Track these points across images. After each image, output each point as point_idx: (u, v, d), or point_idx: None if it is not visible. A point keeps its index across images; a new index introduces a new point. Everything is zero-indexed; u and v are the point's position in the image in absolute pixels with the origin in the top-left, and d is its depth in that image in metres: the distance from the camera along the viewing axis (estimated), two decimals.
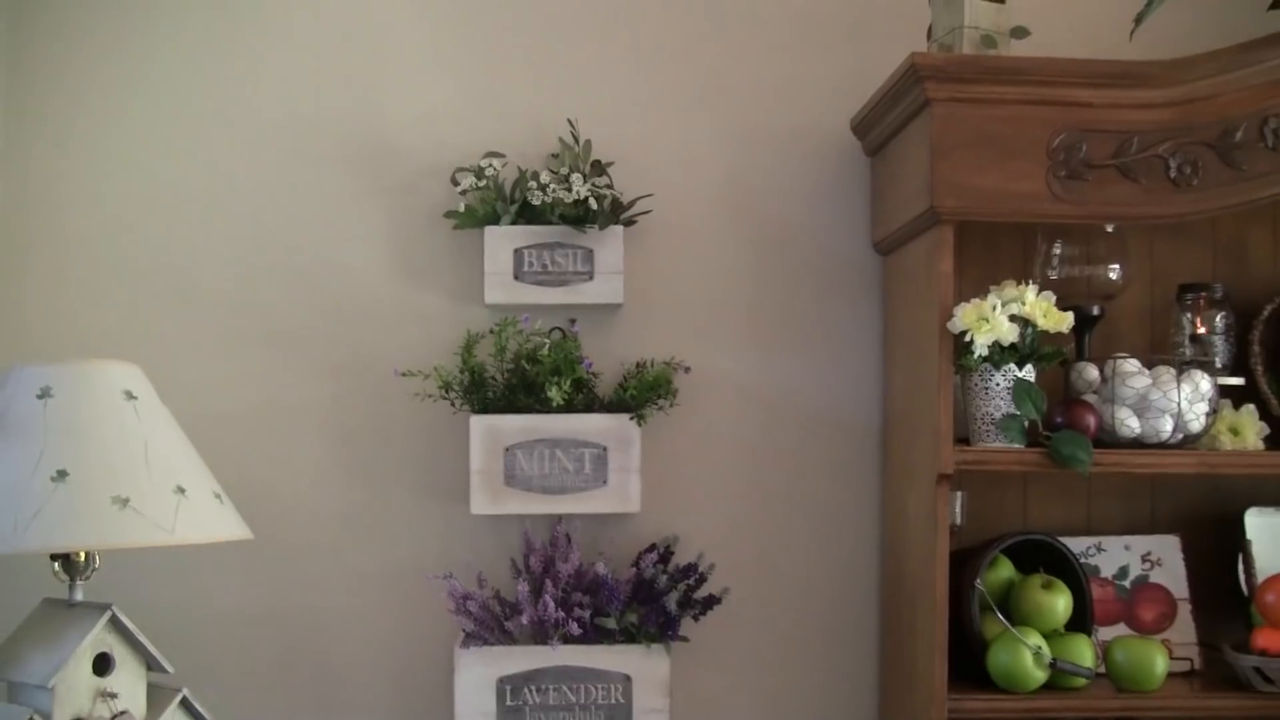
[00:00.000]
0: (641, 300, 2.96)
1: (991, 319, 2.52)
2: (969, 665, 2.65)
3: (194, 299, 2.92)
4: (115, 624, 2.29)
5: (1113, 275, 2.78)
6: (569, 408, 2.78)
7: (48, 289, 2.89)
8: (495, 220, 2.84)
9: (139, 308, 2.91)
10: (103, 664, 2.28)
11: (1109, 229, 2.76)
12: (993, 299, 2.56)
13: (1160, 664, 2.65)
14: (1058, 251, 2.80)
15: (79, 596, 2.36)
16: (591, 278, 2.84)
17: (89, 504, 2.20)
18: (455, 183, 2.86)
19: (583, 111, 2.94)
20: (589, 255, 2.84)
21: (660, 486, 2.94)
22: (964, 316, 2.52)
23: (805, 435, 3.01)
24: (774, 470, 3.00)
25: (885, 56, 2.80)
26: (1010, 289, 2.60)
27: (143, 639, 2.31)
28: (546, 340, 2.83)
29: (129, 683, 2.31)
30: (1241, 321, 2.89)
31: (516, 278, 2.84)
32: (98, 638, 2.27)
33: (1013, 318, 2.55)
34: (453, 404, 2.83)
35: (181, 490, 2.30)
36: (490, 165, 2.84)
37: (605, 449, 2.79)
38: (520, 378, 2.80)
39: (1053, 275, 2.79)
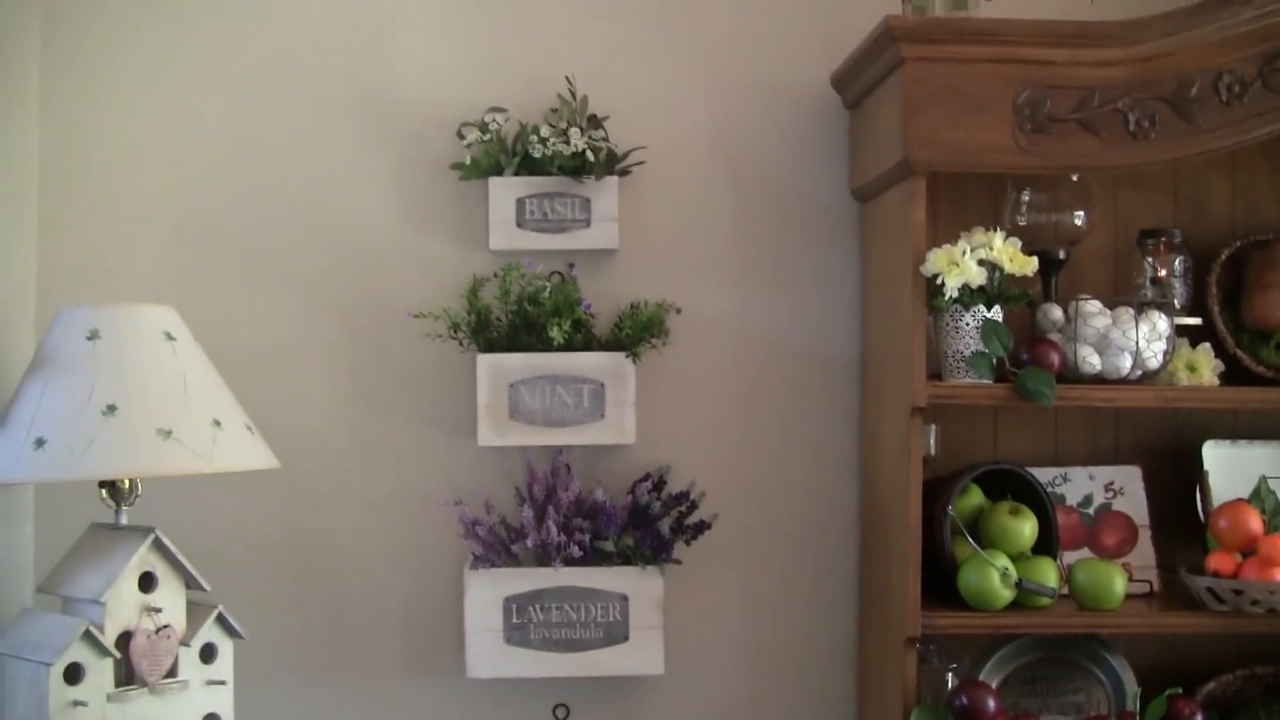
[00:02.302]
0: (635, 245, 3.06)
1: (961, 263, 2.62)
2: (940, 585, 2.74)
3: (216, 244, 3.01)
4: (158, 545, 2.42)
5: (1078, 221, 2.87)
6: (568, 346, 2.88)
7: (81, 236, 2.99)
8: (498, 171, 2.94)
9: (165, 253, 3.00)
10: (147, 582, 2.42)
11: (1074, 178, 2.84)
12: (962, 244, 2.65)
13: (1119, 584, 2.73)
14: (1026, 199, 2.87)
15: (124, 521, 2.49)
16: (589, 225, 2.95)
17: (137, 435, 2.33)
18: (461, 136, 2.96)
19: (579, 68, 3.03)
20: (586, 204, 2.95)
21: (653, 419, 3.04)
22: (935, 260, 2.62)
23: (788, 371, 3.10)
24: (759, 404, 3.10)
25: (865, 13, 2.87)
26: (979, 235, 2.69)
27: (182, 559, 2.44)
28: (547, 284, 2.93)
29: (171, 599, 2.44)
30: (1200, 265, 2.98)
31: (519, 225, 2.94)
32: (143, 557, 2.40)
33: (981, 262, 2.64)
34: (460, 343, 2.94)
35: (218, 423, 2.42)
36: (494, 120, 2.94)
37: (602, 385, 2.90)
38: (523, 318, 2.90)
39: (1021, 222, 2.86)
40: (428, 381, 3.04)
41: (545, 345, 2.90)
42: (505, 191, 2.95)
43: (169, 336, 2.47)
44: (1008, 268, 2.67)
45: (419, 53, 3.06)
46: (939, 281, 2.64)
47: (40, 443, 2.32)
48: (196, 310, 2.73)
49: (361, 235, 3.05)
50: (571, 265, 3.01)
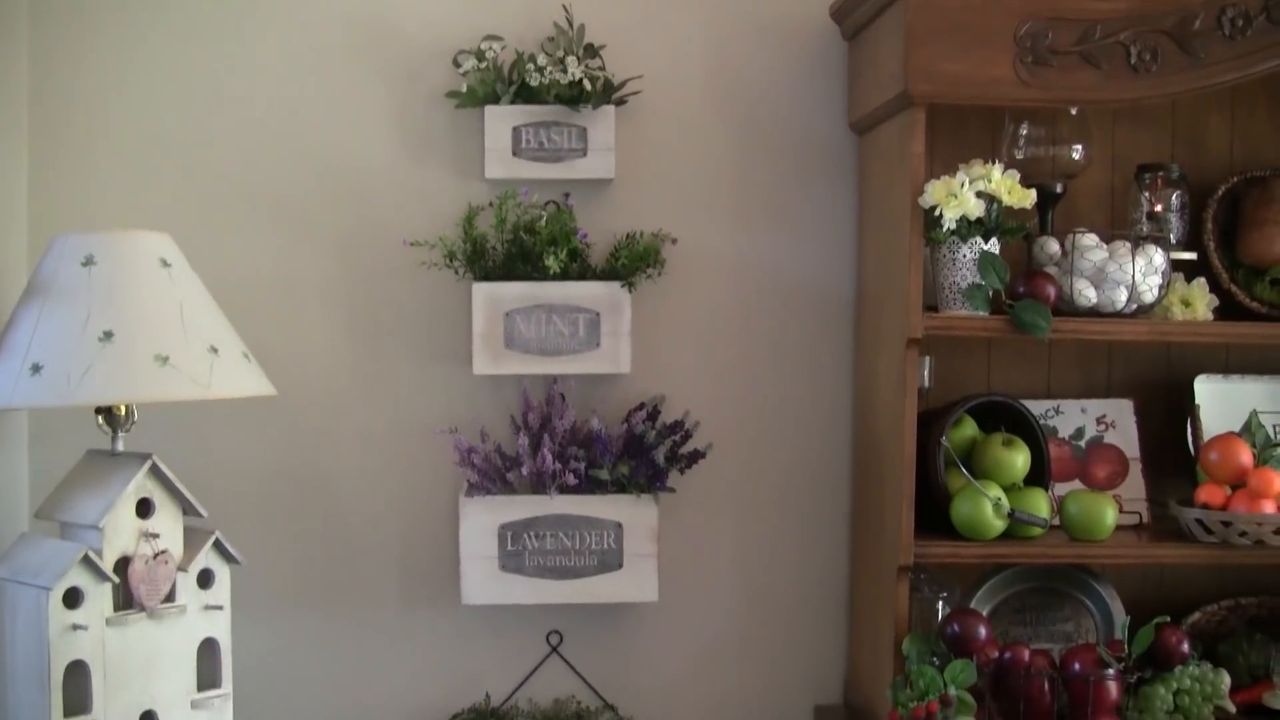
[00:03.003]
0: (631, 176, 3.05)
1: (959, 195, 2.62)
2: (933, 515, 2.77)
3: (211, 175, 2.99)
4: (155, 472, 2.42)
5: (1075, 155, 2.87)
6: (564, 276, 2.89)
7: (72, 164, 2.97)
8: (495, 100, 2.93)
9: (161, 184, 2.98)
10: (145, 508, 2.42)
11: (1073, 112, 2.84)
12: (961, 176, 2.65)
13: (1110, 516, 2.76)
14: (1024, 132, 2.87)
15: (120, 447, 2.49)
16: (585, 154, 2.95)
17: (134, 361, 2.33)
18: (457, 65, 2.95)
19: None
20: (582, 133, 2.94)
21: (648, 349, 3.05)
22: (934, 192, 2.62)
23: (783, 302, 3.11)
24: (754, 334, 3.11)
25: None
26: (978, 167, 2.69)
27: (180, 486, 2.45)
28: (544, 213, 2.93)
29: (168, 525, 2.45)
30: (1196, 200, 2.99)
31: (515, 154, 2.94)
32: (140, 483, 2.40)
33: (979, 194, 2.64)
34: (456, 272, 2.94)
35: (214, 350, 2.42)
36: (490, 48, 2.92)
37: (598, 314, 2.91)
38: (519, 248, 2.90)
39: (1019, 155, 2.86)
40: (423, 310, 3.04)
41: (541, 274, 2.90)
42: (501, 120, 2.94)
43: (164, 263, 2.47)
44: (1006, 200, 2.67)
45: None
46: (937, 213, 2.64)
47: (37, 369, 2.32)
48: (190, 241, 2.70)
49: (356, 164, 3.03)
50: (566, 194, 3.01)
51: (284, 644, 3.05)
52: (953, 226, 2.64)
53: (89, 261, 2.40)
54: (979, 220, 2.66)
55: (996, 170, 2.68)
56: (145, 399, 2.35)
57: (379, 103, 3.03)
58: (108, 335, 2.34)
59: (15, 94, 2.92)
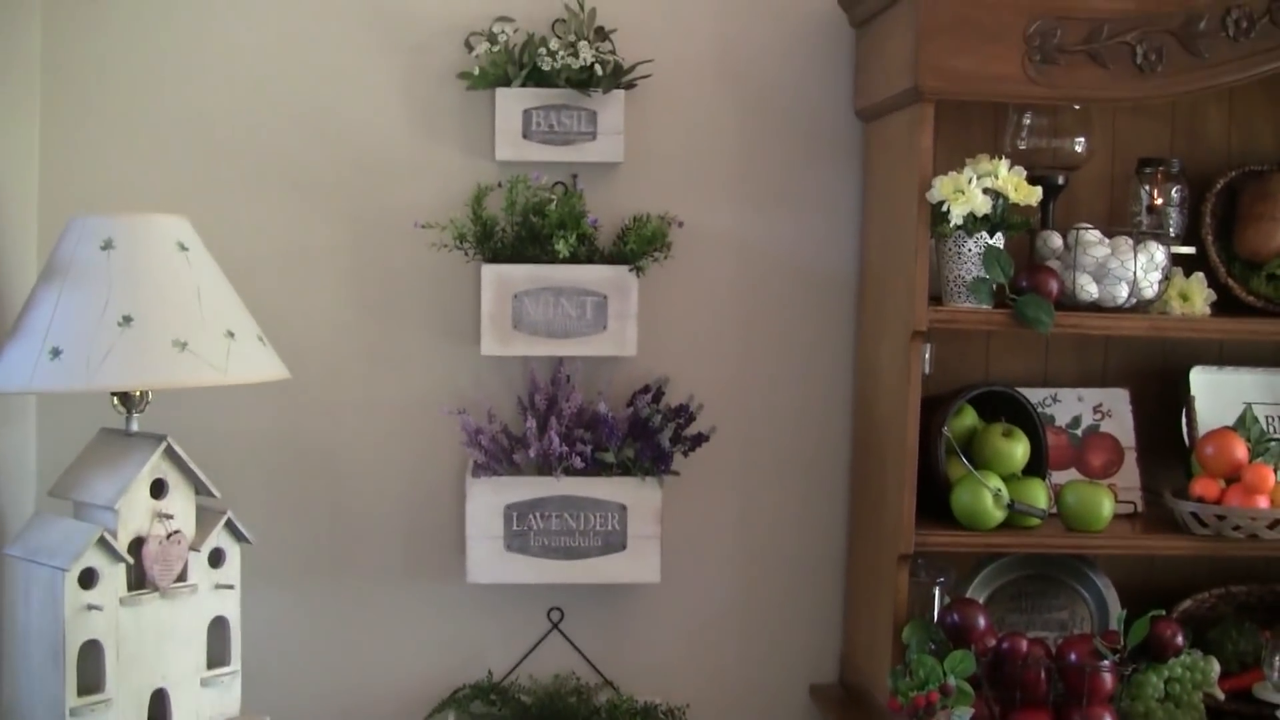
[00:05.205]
0: (640, 159, 3.06)
1: (967, 191, 2.63)
2: (933, 504, 2.80)
3: (221, 152, 3.00)
4: (169, 453, 2.44)
5: (1077, 148, 2.89)
6: (572, 258, 2.90)
7: (84, 143, 2.97)
8: (506, 82, 2.94)
9: (169, 161, 2.98)
10: (158, 488, 2.45)
11: (1075, 106, 2.86)
12: (968, 172, 2.66)
13: (1107, 507, 2.80)
14: (1027, 122, 2.89)
15: (134, 427, 2.51)
16: (594, 138, 2.96)
17: (153, 346, 2.34)
18: (470, 47, 2.96)
19: None
20: (592, 117, 2.96)
21: (654, 331, 3.07)
22: (942, 188, 2.64)
23: (787, 287, 3.14)
24: (758, 319, 3.13)
25: None
26: (984, 163, 2.70)
27: (194, 466, 2.47)
28: (553, 196, 2.95)
29: (181, 506, 2.48)
30: (1195, 194, 3.00)
31: (525, 136, 2.95)
32: (155, 464, 2.43)
33: (986, 190, 2.66)
34: (465, 254, 2.95)
35: (231, 334, 2.44)
36: (502, 31, 2.94)
37: (605, 297, 2.92)
38: (528, 230, 2.92)
39: (1021, 145, 2.88)
40: (432, 291, 3.06)
41: (550, 257, 2.91)
42: (512, 103, 2.96)
43: (182, 247, 2.48)
44: (1013, 197, 2.69)
45: None
46: (944, 209, 2.66)
47: (56, 352, 2.33)
48: (201, 218, 2.68)
49: (367, 143, 3.04)
50: (575, 176, 3.02)
51: (289, 618, 3.08)
52: (960, 222, 2.66)
53: (108, 245, 2.41)
54: (985, 215, 2.68)
55: (1003, 166, 2.70)
56: (164, 384, 2.37)
57: (391, 82, 3.04)
58: (127, 320, 2.35)
59: (28, 71, 2.92)
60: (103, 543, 2.35)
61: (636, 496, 2.92)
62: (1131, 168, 3.04)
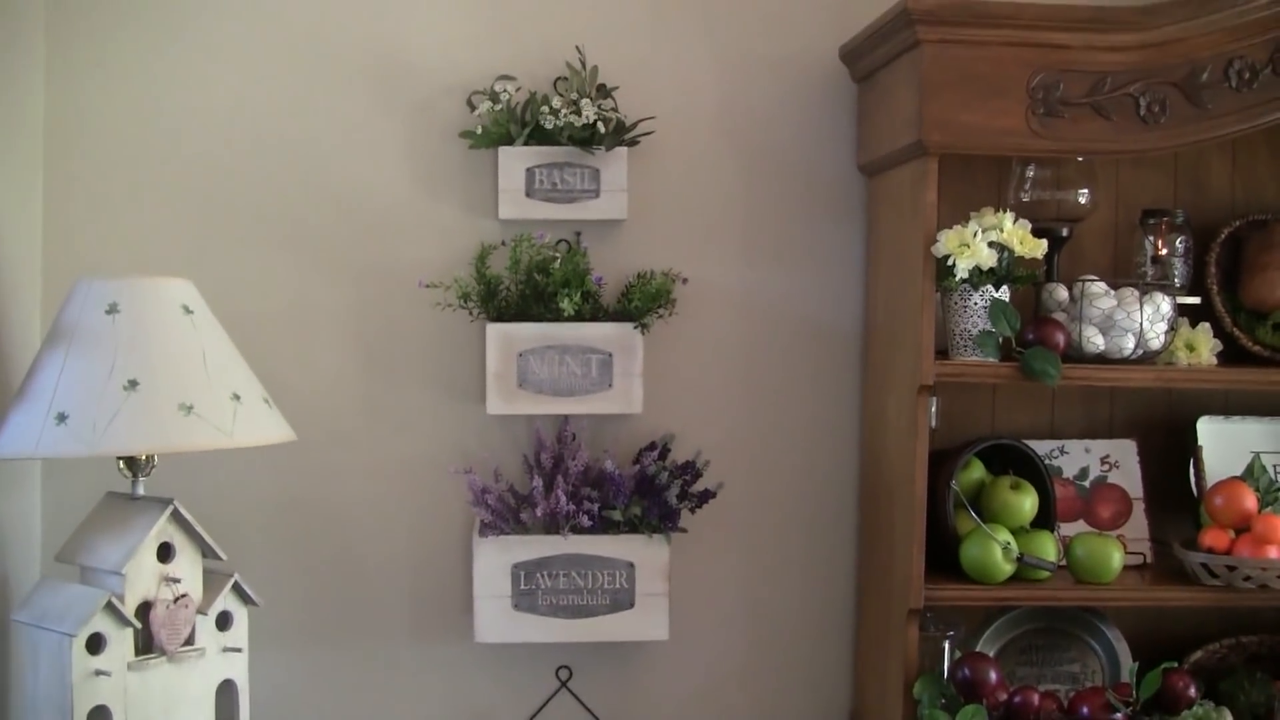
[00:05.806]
0: (643, 215, 3.07)
1: (972, 245, 2.64)
2: (942, 558, 2.80)
3: (225, 211, 2.99)
4: (176, 516, 2.44)
5: (1081, 200, 2.89)
6: (577, 316, 2.90)
7: (87, 202, 2.96)
8: (509, 141, 2.94)
9: (173, 220, 2.98)
10: (165, 552, 2.44)
11: (1079, 158, 2.87)
12: (973, 226, 2.67)
13: (1117, 559, 2.80)
14: (1031, 174, 2.89)
15: (140, 491, 2.50)
16: (598, 195, 2.96)
17: (159, 410, 2.34)
18: (472, 106, 2.96)
19: (589, 38, 3.03)
20: (595, 174, 2.96)
21: (660, 389, 3.06)
22: (947, 242, 2.65)
23: (792, 343, 3.13)
24: (763, 375, 3.13)
25: None
26: (989, 216, 2.71)
27: (200, 529, 2.46)
28: (557, 254, 2.94)
29: (188, 569, 2.47)
30: (1199, 244, 3.02)
31: (528, 194, 2.95)
32: (161, 528, 2.42)
33: (991, 243, 2.67)
34: (470, 313, 2.95)
35: (237, 397, 2.44)
36: (504, 90, 2.94)
37: (611, 355, 2.91)
38: (533, 288, 2.91)
39: (1025, 198, 2.89)
40: (437, 349, 3.06)
41: (554, 315, 2.91)
42: (515, 161, 2.96)
43: (187, 310, 2.48)
44: (1018, 250, 2.70)
45: (429, 19, 3.04)
46: (950, 263, 2.67)
47: (62, 418, 2.32)
48: (204, 278, 2.70)
49: (370, 203, 3.04)
50: (578, 234, 3.03)
51: (297, 680, 3.06)
52: (965, 276, 2.67)
53: (113, 309, 2.40)
54: (991, 269, 2.68)
55: (1008, 220, 2.71)
56: (170, 448, 2.36)
57: (394, 140, 3.04)
58: (132, 384, 2.35)
59: (31, 131, 2.92)
60: (110, 607, 2.34)
61: (644, 554, 2.91)
62: (1135, 219, 3.05)
